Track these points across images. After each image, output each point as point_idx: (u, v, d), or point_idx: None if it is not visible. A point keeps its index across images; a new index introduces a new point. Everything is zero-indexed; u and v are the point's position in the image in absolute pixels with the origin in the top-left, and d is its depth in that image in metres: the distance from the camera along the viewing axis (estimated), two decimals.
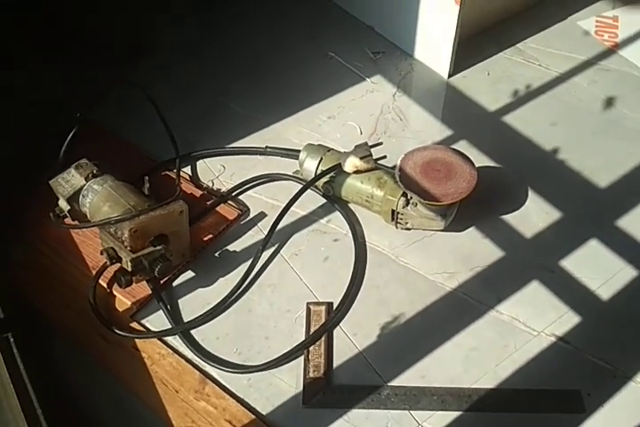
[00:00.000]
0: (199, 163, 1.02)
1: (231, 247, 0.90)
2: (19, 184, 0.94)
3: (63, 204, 0.84)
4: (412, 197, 0.84)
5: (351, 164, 0.90)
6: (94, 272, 0.84)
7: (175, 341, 0.81)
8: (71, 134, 0.88)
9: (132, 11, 1.27)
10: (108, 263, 0.78)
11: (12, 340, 0.67)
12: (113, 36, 1.22)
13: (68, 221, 0.85)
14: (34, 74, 1.15)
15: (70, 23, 1.22)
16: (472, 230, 0.90)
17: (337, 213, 0.94)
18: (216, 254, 0.90)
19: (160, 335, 0.80)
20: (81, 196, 0.84)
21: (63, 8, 1.21)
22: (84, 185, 0.84)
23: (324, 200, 0.95)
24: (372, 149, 0.91)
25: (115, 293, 0.83)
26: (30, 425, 0.60)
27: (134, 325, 0.82)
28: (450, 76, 1.14)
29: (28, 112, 1.08)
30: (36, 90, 1.12)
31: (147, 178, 0.87)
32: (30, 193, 0.91)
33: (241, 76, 1.15)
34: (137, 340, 0.79)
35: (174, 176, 0.96)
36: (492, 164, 0.99)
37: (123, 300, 0.82)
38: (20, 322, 0.76)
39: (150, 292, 0.82)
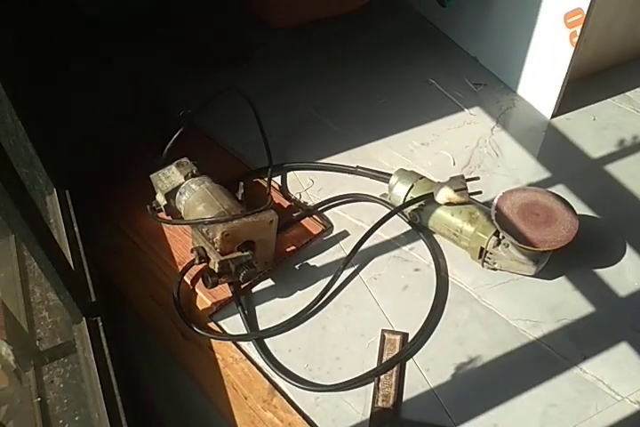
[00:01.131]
0: (289, 174, 1.03)
1: (312, 262, 0.90)
2: (119, 176, 0.97)
3: (160, 198, 0.86)
4: (504, 238, 0.82)
5: (444, 195, 0.88)
6: (180, 268, 0.85)
7: (249, 347, 0.81)
8: (177, 133, 0.90)
9: (232, 14, 1.30)
10: (197, 262, 0.79)
11: (100, 324, 0.69)
12: (213, 38, 1.24)
13: (162, 215, 0.87)
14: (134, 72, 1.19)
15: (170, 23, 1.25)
16: (562, 280, 0.87)
17: (421, 243, 0.92)
18: (296, 267, 0.90)
19: (236, 339, 0.81)
20: (178, 193, 0.86)
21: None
22: (183, 183, 0.86)
23: (409, 227, 0.94)
24: (468, 184, 0.89)
25: (197, 291, 0.84)
26: (109, 410, 0.62)
27: (211, 325, 0.82)
28: (553, 116, 1.11)
29: (127, 109, 1.11)
30: (132, 86, 1.16)
31: (241, 184, 0.88)
32: (130, 185, 0.94)
33: (338, 94, 1.16)
34: (213, 340, 0.80)
35: (265, 184, 0.98)
36: (589, 213, 0.95)
37: (204, 299, 0.83)
38: (108, 307, 0.78)
39: (231, 295, 0.83)
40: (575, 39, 1.00)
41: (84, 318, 0.69)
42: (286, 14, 1.11)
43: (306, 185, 1.02)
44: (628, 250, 0.91)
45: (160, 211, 0.86)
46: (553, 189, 0.99)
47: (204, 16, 1.22)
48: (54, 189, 0.83)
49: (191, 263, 0.84)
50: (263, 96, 1.11)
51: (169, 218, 0.87)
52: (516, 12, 1.08)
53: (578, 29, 0.99)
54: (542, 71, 1.09)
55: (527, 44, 1.09)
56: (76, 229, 0.80)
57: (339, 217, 0.97)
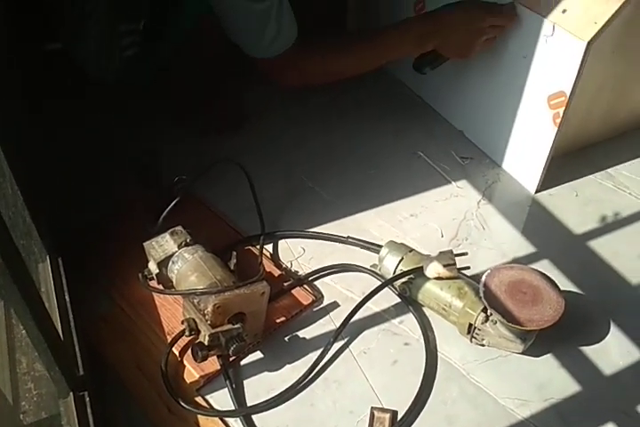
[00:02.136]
0: (281, 242, 1.04)
1: (301, 334, 0.90)
2: (112, 242, 0.98)
3: (153, 266, 0.86)
4: (492, 314, 0.84)
5: (434, 270, 0.90)
6: (169, 338, 0.85)
7: (235, 423, 0.80)
8: (173, 203, 0.92)
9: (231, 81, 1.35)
10: (187, 334, 0.79)
11: (87, 399, 0.68)
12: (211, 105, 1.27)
13: (154, 283, 0.88)
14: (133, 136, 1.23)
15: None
16: (549, 357, 0.88)
17: (410, 316, 0.93)
18: (286, 339, 0.90)
19: (223, 415, 0.79)
20: (171, 262, 0.86)
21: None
22: (176, 252, 0.87)
23: (399, 300, 0.95)
24: (456, 258, 0.91)
25: (185, 363, 0.83)
26: None
27: (198, 399, 0.81)
28: (537, 191, 1.15)
29: (124, 171, 1.13)
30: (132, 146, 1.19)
31: (234, 253, 0.89)
32: (123, 252, 0.95)
33: (330, 164, 1.19)
34: (199, 416, 0.79)
35: (257, 252, 0.99)
36: (573, 289, 0.97)
37: (192, 372, 0.82)
38: (95, 379, 0.76)
39: (219, 368, 0.82)
40: (558, 120, 1.05)
41: (71, 393, 0.68)
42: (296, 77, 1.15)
43: (297, 253, 1.03)
44: (613, 328, 0.92)
45: (152, 279, 0.87)
46: (538, 264, 1.02)
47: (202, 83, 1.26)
48: (47, 257, 0.84)
49: (180, 334, 0.83)
50: (257, 164, 1.14)
51: (160, 287, 0.88)
52: (501, 91, 1.13)
53: (561, 111, 1.04)
54: (526, 148, 1.14)
55: (512, 122, 1.14)
56: (67, 298, 0.79)
57: (329, 287, 0.98)
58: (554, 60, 1.01)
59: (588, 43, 0.95)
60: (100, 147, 1.19)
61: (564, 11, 0.99)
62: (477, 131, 1.24)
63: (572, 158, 1.20)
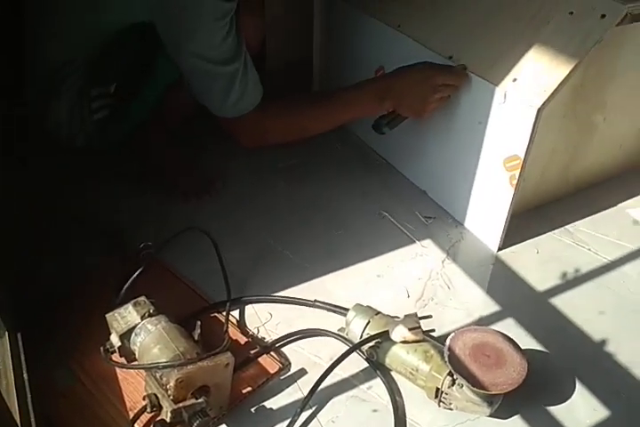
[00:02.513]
0: (248, 307, 1.04)
1: (268, 404, 0.89)
2: (73, 315, 0.96)
3: (115, 339, 0.85)
4: (458, 378, 0.84)
5: (399, 334, 0.90)
6: (131, 414, 0.82)
7: None
8: (136, 274, 0.92)
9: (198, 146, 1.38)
10: (149, 411, 0.77)
11: None
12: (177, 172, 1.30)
13: (116, 356, 0.86)
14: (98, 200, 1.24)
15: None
16: (517, 419, 0.87)
17: (379, 380, 0.92)
18: (252, 410, 0.88)
19: None
20: (133, 334, 0.85)
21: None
22: (139, 323, 0.85)
23: (367, 364, 0.95)
24: (421, 321, 0.92)
25: None
26: None
27: None
28: (499, 249, 1.17)
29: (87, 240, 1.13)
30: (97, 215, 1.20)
31: (198, 323, 0.88)
32: (84, 325, 0.93)
33: (294, 226, 1.21)
34: None
35: (222, 319, 0.98)
36: (538, 347, 0.98)
37: None
38: None
39: None
40: (514, 181, 1.09)
41: None
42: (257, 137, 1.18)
43: (264, 319, 1.02)
44: (578, 386, 0.93)
45: (114, 352, 0.85)
46: (503, 323, 1.03)
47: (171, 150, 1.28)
48: (6, 333, 0.82)
49: (143, 410, 0.81)
50: (223, 228, 1.16)
51: (123, 360, 0.86)
52: (459, 153, 1.18)
53: (516, 173, 1.08)
54: (487, 207, 1.17)
55: (471, 182, 1.18)
56: (25, 375, 0.77)
57: (297, 353, 0.97)
58: (507, 126, 1.06)
59: (539, 110, 1.00)
60: (59, 214, 1.19)
61: (514, 79, 1.04)
62: (439, 191, 1.28)
63: (531, 216, 1.24)
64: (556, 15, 1.03)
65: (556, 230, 1.22)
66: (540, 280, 1.11)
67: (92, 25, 1.11)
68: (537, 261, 1.15)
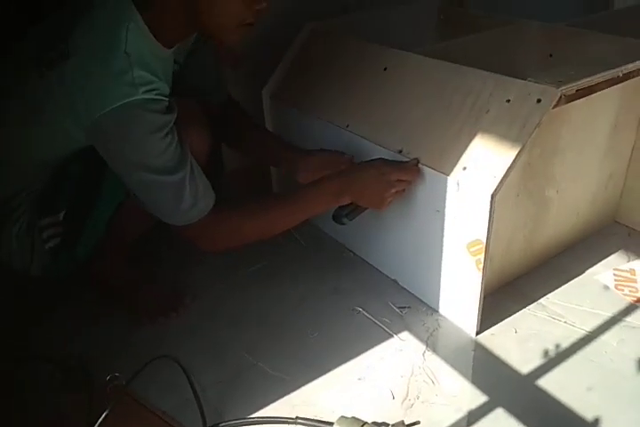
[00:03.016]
0: None
1: None
2: None
3: None
4: None
5: None
6: None
7: None
8: (106, 412, 0.87)
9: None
10: None
11: None
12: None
13: None
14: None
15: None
16: None
17: None
18: None
19: None
20: None
21: None
22: None
23: None
24: None
25: None
26: None
27: None
28: (477, 333, 1.15)
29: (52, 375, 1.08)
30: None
31: None
32: None
33: (268, 333, 1.18)
34: None
35: None
36: None
37: None
38: None
39: None
40: (480, 265, 1.08)
41: None
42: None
43: None
44: None
45: None
46: (493, 414, 1.00)
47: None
48: None
49: None
50: (194, 347, 1.12)
51: None
52: (423, 241, 1.18)
53: (481, 257, 1.07)
54: (458, 292, 1.16)
55: (439, 268, 1.17)
56: None
57: None
58: (465, 213, 1.07)
59: (492, 195, 1.01)
60: (14, 349, 1.14)
61: (464, 168, 1.06)
62: (409, 279, 1.26)
63: (503, 292, 1.23)
64: (493, 104, 1.06)
65: (530, 306, 1.21)
66: (523, 361, 1.09)
67: (27, 160, 1.10)
68: (517, 341, 1.13)
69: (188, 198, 1.01)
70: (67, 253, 1.15)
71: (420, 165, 1.11)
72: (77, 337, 1.18)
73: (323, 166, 1.23)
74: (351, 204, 1.15)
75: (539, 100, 1.01)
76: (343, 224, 1.16)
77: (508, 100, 1.05)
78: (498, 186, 1.01)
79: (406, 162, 1.13)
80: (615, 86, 1.09)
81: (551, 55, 1.42)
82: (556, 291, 1.24)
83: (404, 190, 1.14)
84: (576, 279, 1.28)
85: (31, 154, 1.10)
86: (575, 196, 1.29)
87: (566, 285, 1.26)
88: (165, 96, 0.99)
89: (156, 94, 0.96)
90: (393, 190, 1.12)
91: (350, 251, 1.39)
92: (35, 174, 1.12)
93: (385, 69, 1.26)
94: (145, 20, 0.99)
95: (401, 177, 1.12)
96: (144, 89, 0.94)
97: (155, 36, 1.01)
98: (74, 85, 0.96)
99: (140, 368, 0.98)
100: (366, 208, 1.17)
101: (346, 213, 1.15)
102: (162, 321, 1.21)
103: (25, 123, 1.06)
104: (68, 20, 1.02)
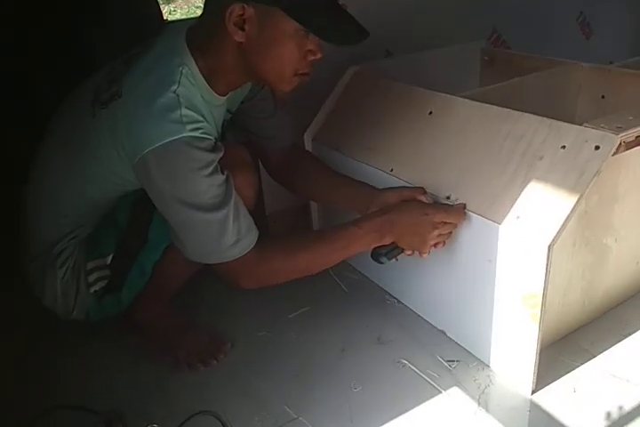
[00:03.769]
0: None
1: None
2: None
3: None
4: None
5: None
6: None
7: None
8: None
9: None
10: None
11: None
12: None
13: None
14: None
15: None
16: None
17: None
18: None
19: None
20: None
21: None
22: None
23: None
24: None
25: None
26: None
27: None
28: (533, 392, 1.08)
29: None
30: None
31: None
32: None
33: (309, 385, 1.13)
34: None
35: None
36: None
37: None
38: None
39: None
40: (537, 319, 1.02)
41: None
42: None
43: None
44: None
45: None
46: None
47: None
48: None
49: None
50: (235, 398, 1.08)
51: None
52: (474, 291, 1.12)
53: (538, 310, 1.01)
54: (512, 347, 1.09)
55: (491, 320, 1.10)
56: None
57: None
58: (519, 264, 1.01)
59: (549, 247, 0.95)
60: (54, 397, 1.11)
61: (517, 217, 1.01)
62: (459, 331, 1.20)
63: (559, 348, 1.16)
64: (548, 150, 1.02)
65: (589, 362, 1.13)
66: (584, 425, 1.01)
67: (78, 204, 1.12)
68: (576, 402, 1.05)
69: (231, 236, 0.99)
70: (112, 297, 1.16)
71: (468, 212, 1.07)
72: (115, 384, 1.15)
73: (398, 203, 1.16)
74: (392, 243, 1.11)
75: (597, 147, 0.97)
76: (381, 263, 1.13)
77: (564, 147, 1.01)
78: (555, 237, 0.95)
79: (452, 205, 1.09)
80: None
81: (603, 97, 1.38)
82: (617, 345, 1.16)
83: (449, 233, 1.10)
84: (638, 332, 1.20)
85: (82, 198, 1.11)
86: (635, 244, 1.22)
87: (628, 338, 1.18)
88: (212, 137, 0.99)
89: (201, 133, 0.97)
90: (436, 232, 1.08)
91: (394, 298, 1.34)
92: (84, 218, 1.14)
93: (430, 113, 1.24)
94: (200, 66, 1.01)
95: (445, 219, 1.08)
96: (190, 127, 0.95)
97: (209, 83, 1.03)
98: (122, 123, 0.97)
99: (180, 423, 0.94)
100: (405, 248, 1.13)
101: (385, 251, 1.12)
102: (201, 368, 1.18)
103: (77, 167, 1.08)
104: (125, 63, 1.04)
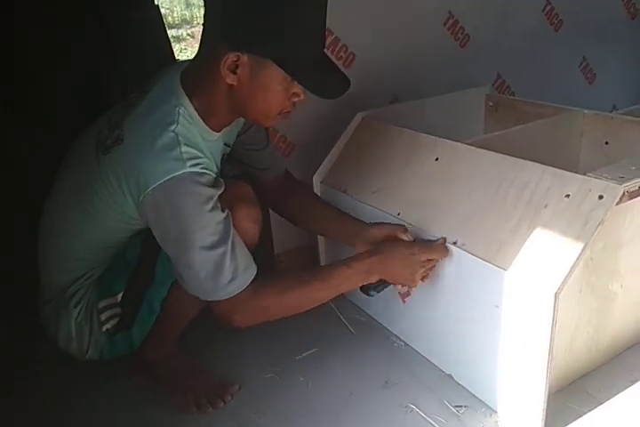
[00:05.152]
0: None
1: None
2: None
3: None
4: None
5: None
6: None
7: None
8: None
9: None
10: None
11: None
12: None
13: None
14: None
15: None
16: None
17: None
18: None
19: None
20: None
21: None
22: None
23: None
24: None
25: None
26: None
27: None
28: None
29: None
30: None
31: None
32: None
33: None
34: None
35: None
36: None
37: None
38: None
39: None
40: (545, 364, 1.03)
41: None
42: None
43: None
44: None
45: None
46: None
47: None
48: None
49: None
50: None
51: None
52: (480, 335, 1.12)
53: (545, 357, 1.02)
54: (519, 392, 1.09)
55: (498, 365, 1.10)
56: None
57: None
58: (526, 309, 1.02)
59: (555, 294, 0.96)
60: None
61: (524, 263, 1.02)
62: (466, 375, 1.20)
63: (567, 394, 1.15)
64: (552, 198, 1.04)
65: (597, 409, 1.12)
66: None
67: (90, 247, 1.15)
68: None
69: (227, 274, 1.02)
70: (123, 335, 1.17)
71: (471, 255, 1.09)
72: (125, 421, 1.15)
73: (382, 239, 1.22)
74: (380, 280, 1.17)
75: (601, 197, 0.99)
76: (371, 296, 1.18)
77: (568, 195, 1.03)
78: (561, 284, 0.97)
79: (434, 241, 1.15)
80: None
81: (607, 143, 1.41)
82: (626, 391, 1.16)
83: (433, 267, 1.16)
84: None
85: (94, 241, 1.14)
86: None
87: (636, 384, 1.18)
88: (212, 172, 1.03)
89: (201, 168, 1.01)
90: (422, 270, 1.14)
91: (402, 341, 1.34)
92: (97, 260, 1.16)
93: (436, 159, 1.27)
94: (195, 105, 1.06)
95: (430, 257, 1.14)
96: (191, 163, 0.99)
97: (204, 121, 1.08)
98: (126, 166, 1.01)
99: None
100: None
101: (374, 286, 1.17)
102: (209, 410, 1.18)
103: (87, 213, 1.10)
104: (124, 107, 1.09)
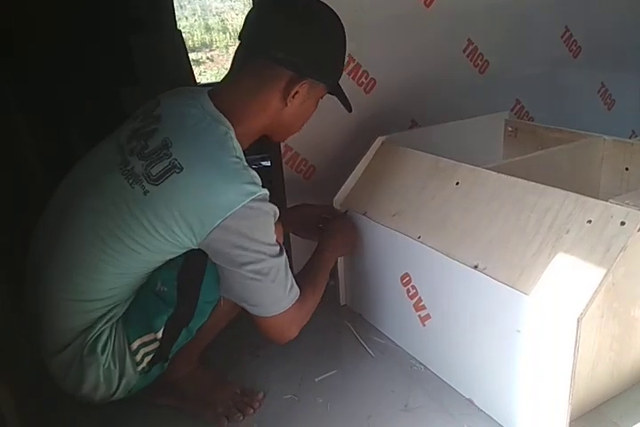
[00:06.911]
0: None
1: None
2: None
3: None
4: None
5: None
6: None
7: None
8: None
9: None
10: None
11: None
12: None
13: None
14: None
15: None
16: None
17: None
18: None
19: None
20: None
21: None
22: None
23: None
24: None
25: None
26: None
27: None
28: None
29: None
30: None
31: None
32: None
33: None
34: None
35: None
36: None
37: None
38: None
39: None
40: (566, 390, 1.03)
41: None
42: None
43: None
44: None
45: None
46: None
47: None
48: None
49: None
50: None
51: None
52: (502, 360, 1.12)
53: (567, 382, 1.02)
54: (540, 419, 1.08)
55: (519, 391, 1.10)
56: None
57: None
58: (548, 335, 1.02)
59: (578, 319, 0.97)
60: None
61: (545, 288, 1.02)
62: (486, 400, 1.20)
63: (588, 421, 1.14)
64: (574, 224, 1.05)
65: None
66: None
67: (114, 281, 1.08)
68: None
69: (291, 279, 1.11)
70: (157, 366, 1.14)
71: (494, 281, 1.09)
72: None
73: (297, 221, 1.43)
74: None
75: (622, 223, 1.00)
76: None
77: (589, 221, 1.04)
78: (584, 310, 0.97)
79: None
80: None
81: (627, 169, 1.42)
82: None
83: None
84: None
85: (116, 281, 1.08)
86: None
87: None
88: None
89: (263, 187, 1.06)
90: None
91: (421, 364, 1.34)
92: (118, 298, 1.10)
93: (457, 184, 1.28)
94: (237, 131, 1.10)
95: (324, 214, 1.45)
96: (260, 184, 1.05)
97: (240, 143, 1.11)
98: (189, 196, 1.01)
99: None
100: None
101: None
102: (240, 419, 1.20)
103: (113, 252, 1.04)
104: (137, 138, 1.08)
